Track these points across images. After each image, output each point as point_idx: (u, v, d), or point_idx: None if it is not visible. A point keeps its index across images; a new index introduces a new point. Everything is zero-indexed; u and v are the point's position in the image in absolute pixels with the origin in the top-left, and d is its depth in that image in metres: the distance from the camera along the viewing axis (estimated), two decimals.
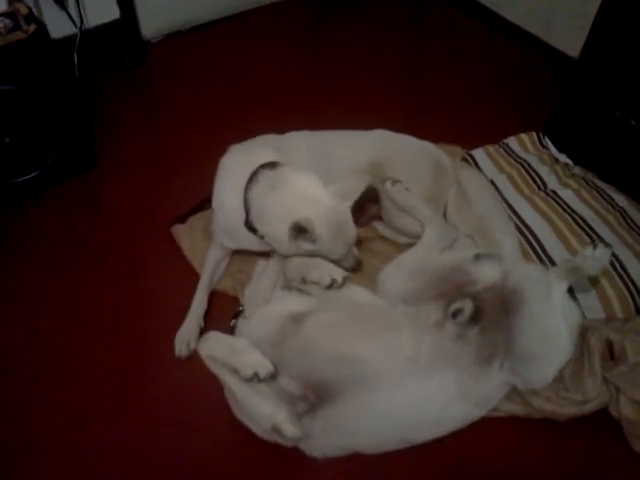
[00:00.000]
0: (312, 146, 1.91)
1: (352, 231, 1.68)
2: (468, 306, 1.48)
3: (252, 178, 1.64)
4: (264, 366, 1.38)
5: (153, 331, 1.81)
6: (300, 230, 1.54)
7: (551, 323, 1.44)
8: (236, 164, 1.74)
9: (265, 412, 1.37)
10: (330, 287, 1.57)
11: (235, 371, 1.39)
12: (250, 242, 1.74)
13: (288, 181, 1.61)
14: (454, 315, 1.48)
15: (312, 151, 1.90)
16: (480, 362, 1.45)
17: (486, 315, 1.48)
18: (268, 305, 1.59)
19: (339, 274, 1.60)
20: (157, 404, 1.65)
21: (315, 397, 1.39)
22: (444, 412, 1.44)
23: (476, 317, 1.47)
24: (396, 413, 1.43)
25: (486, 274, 1.55)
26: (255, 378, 1.37)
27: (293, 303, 1.57)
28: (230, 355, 1.41)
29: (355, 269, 1.76)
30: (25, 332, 1.84)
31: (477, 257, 1.59)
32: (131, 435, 1.59)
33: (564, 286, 1.48)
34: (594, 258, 1.44)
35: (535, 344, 1.44)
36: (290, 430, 1.34)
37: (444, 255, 1.72)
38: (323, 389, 1.39)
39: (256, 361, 1.39)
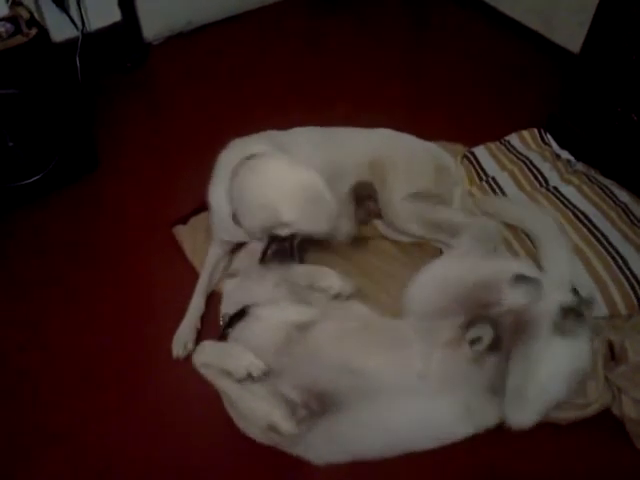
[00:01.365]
0: (315, 142, 1.91)
1: (329, 203, 1.61)
2: (488, 334, 1.36)
3: (234, 171, 1.65)
4: (257, 366, 1.37)
5: (154, 332, 1.81)
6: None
7: (544, 364, 1.32)
8: (229, 159, 1.74)
9: (261, 412, 1.36)
10: (337, 297, 1.55)
11: (229, 374, 1.37)
12: (244, 235, 1.73)
13: (257, 170, 1.60)
14: (472, 342, 1.37)
15: (315, 147, 1.89)
16: (491, 390, 1.38)
17: (505, 344, 1.37)
18: (269, 312, 1.54)
19: (348, 285, 1.57)
20: (157, 405, 1.66)
21: (318, 405, 1.38)
22: (446, 431, 1.42)
23: (495, 345, 1.36)
24: (401, 428, 1.41)
25: (517, 298, 1.39)
26: (249, 378, 1.36)
27: (296, 312, 1.53)
28: (223, 358, 1.40)
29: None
30: (27, 333, 1.85)
31: (517, 279, 1.40)
32: (131, 436, 1.60)
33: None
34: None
35: (519, 380, 1.33)
36: (286, 426, 1.32)
37: (481, 265, 1.57)
38: (327, 398, 1.38)
39: (249, 362, 1.38)
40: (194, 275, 1.91)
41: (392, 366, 1.41)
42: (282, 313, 1.53)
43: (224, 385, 1.41)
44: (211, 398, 1.51)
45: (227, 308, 1.61)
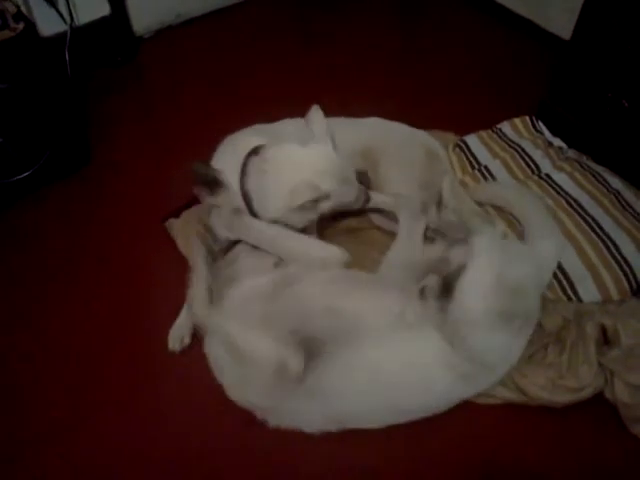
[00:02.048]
0: (306, 132, 1.90)
1: (348, 167, 1.68)
2: (433, 281, 1.51)
3: (243, 170, 1.65)
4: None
5: (150, 326, 1.81)
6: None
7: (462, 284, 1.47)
8: (230, 159, 1.73)
9: (266, 352, 1.42)
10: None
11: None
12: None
13: (273, 158, 1.62)
14: (422, 292, 1.50)
15: (306, 137, 1.88)
16: None
17: None
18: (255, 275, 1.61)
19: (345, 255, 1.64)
20: (156, 401, 1.66)
21: (307, 353, 1.42)
22: (429, 375, 1.45)
23: (449, 292, 1.48)
24: (382, 369, 1.45)
25: (459, 255, 1.56)
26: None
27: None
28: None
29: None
30: (22, 329, 1.85)
31: (450, 244, 1.65)
32: (131, 432, 1.60)
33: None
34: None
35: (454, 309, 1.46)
36: (295, 362, 1.39)
37: (428, 249, 1.74)
38: (315, 343, 1.43)
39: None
40: (188, 268, 1.89)
41: (373, 307, 1.50)
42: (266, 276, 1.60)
43: (226, 333, 1.46)
44: (209, 391, 1.52)
45: None
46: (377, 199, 1.83)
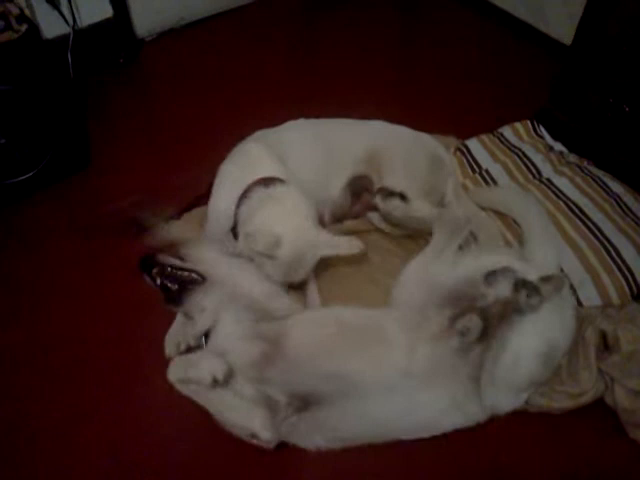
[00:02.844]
0: (309, 136, 1.92)
1: (306, 269, 1.65)
2: (477, 325, 1.38)
3: (245, 194, 1.67)
4: (219, 368, 1.37)
5: (148, 330, 1.79)
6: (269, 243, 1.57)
7: (509, 343, 1.38)
8: (236, 175, 1.76)
9: (240, 421, 1.39)
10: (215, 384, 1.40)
11: (198, 383, 1.37)
12: (234, 248, 1.74)
13: (277, 201, 1.64)
14: (462, 333, 1.39)
15: (310, 141, 1.91)
16: (476, 380, 1.42)
17: (491, 332, 1.40)
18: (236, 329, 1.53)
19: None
20: (150, 403, 1.65)
21: (302, 404, 1.40)
22: (435, 420, 1.44)
23: (483, 335, 1.39)
24: (387, 421, 1.42)
25: (501, 289, 1.42)
26: (216, 382, 1.36)
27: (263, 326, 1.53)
28: (189, 370, 1.39)
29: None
30: (21, 330, 1.85)
31: (487, 277, 1.44)
32: (125, 436, 1.59)
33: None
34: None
35: (489, 367, 1.40)
36: (265, 435, 1.36)
37: (458, 263, 1.60)
38: (311, 398, 1.40)
39: (210, 366, 1.37)
40: None
41: (374, 366, 1.42)
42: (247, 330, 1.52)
43: (202, 400, 1.42)
44: None
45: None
46: (419, 206, 1.82)
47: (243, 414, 1.37)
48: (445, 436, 1.47)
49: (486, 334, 1.39)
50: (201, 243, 1.76)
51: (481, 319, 1.38)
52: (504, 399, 1.42)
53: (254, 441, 1.40)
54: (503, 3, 3.04)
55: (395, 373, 1.41)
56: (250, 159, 1.78)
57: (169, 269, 1.63)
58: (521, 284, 1.38)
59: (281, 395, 1.40)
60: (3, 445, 1.58)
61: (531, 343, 1.40)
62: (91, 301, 1.93)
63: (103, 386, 1.70)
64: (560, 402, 1.52)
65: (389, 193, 1.81)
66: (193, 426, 1.58)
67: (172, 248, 1.71)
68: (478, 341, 1.39)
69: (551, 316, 1.42)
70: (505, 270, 1.46)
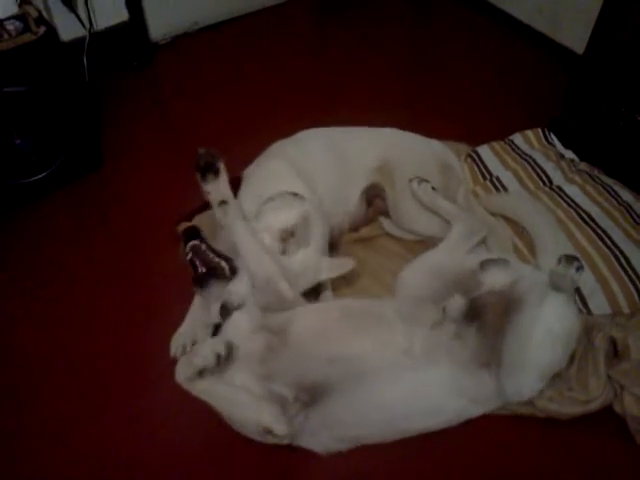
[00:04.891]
0: (324, 148, 1.95)
1: (300, 289, 1.65)
2: (459, 304, 1.47)
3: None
4: (219, 344, 1.39)
5: (157, 331, 1.79)
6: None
7: (533, 333, 1.41)
8: (254, 189, 1.83)
9: (251, 417, 1.37)
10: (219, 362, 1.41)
11: (202, 372, 1.37)
12: None
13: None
14: (444, 310, 1.48)
15: (325, 153, 1.94)
16: (476, 363, 1.44)
17: (487, 319, 1.46)
18: (239, 320, 1.54)
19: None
20: (155, 407, 1.65)
21: (308, 397, 1.40)
22: (439, 403, 1.45)
23: (472, 317, 1.46)
24: (394, 404, 1.43)
25: (493, 279, 1.53)
26: (219, 360, 1.37)
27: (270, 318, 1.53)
28: (193, 360, 1.39)
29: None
30: (30, 330, 1.86)
31: (482, 265, 1.57)
32: (129, 436, 1.60)
33: (562, 295, 1.47)
34: (559, 274, 1.50)
35: (514, 353, 1.42)
36: (280, 428, 1.34)
37: (468, 258, 1.69)
38: (318, 389, 1.40)
39: (210, 345, 1.39)
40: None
41: (377, 347, 1.46)
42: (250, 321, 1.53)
43: (212, 398, 1.41)
44: None
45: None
46: (440, 203, 1.85)
47: (254, 409, 1.36)
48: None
49: (477, 316, 1.46)
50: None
51: (467, 301, 1.47)
52: (528, 383, 1.44)
53: (268, 438, 1.38)
54: (517, 12, 3.05)
55: (396, 353, 1.44)
56: (273, 175, 1.83)
57: (204, 248, 1.62)
58: (571, 258, 1.51)
59: (287, 389, 1.40)
60: (11, 444, 1.59)
61: (555, 328, 1.43)
62: (99, 301, 1.94)
63: (110, 387, 1.71)
64: (568, 408, 1.51)
65: (424, 180, 1.87)
66: (201, 428, 1.59)
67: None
68: (469, 321, 1.46)
69: (568, 301, 1.48)
70: (502, 261, 1.57)
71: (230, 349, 1.41)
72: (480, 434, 1.53)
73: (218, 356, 1.38)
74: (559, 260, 1.54)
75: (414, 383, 1.43)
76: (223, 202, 1.63)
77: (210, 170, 1.61)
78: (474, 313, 1.47)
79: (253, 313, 1.54)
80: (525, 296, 1.46)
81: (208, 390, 1.40)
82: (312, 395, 1.40)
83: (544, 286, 1.49)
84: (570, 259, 1.54)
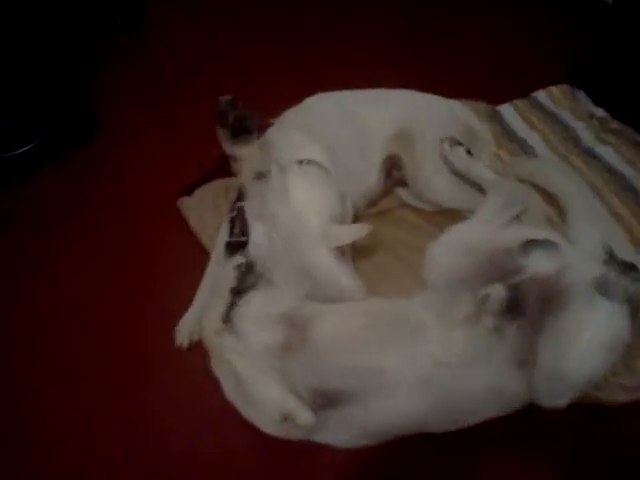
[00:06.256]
0: (337, 111, 1.80)
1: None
2: (499, 293, 1.24)
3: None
4: (238, 259, 1.34)
5: (159, 316, 1.67)
6: None
7: (577, 342, 1.23)
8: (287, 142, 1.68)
9: (274, 397, 1.25)
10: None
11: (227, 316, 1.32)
12: None
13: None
14: (482, 302, 1.26)
15: (338, 116, 1.78)
16: (513, 362, 1.28)
17: (528, 312, 1.27)
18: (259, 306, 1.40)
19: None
20: (158, 398, 1.56)
21: (326, 401, 1.28)
22: (470, 414, 1.32)
23: (515, 310, 1.26)
24: (418, 415, 1.30)
25: (537, 264, 1.31)
26: (242, 276, 1.33)
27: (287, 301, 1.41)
28: (215, 306, 1.34)
29: None
30: (18, 314, 1.76)
31: (525, 247, 1.33)
32: (135, 431, 1.51)
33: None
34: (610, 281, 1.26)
35: (552, 360, 1.24)
36: (304, 415, 1.22)
37: (504, 234, 1.46)
38: (336, 396, 1.28)
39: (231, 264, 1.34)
40: (202, 253, 1.76)
41: (406, 361, 1.29)
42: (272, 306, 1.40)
43: (237, 362, 1.29)
44: (216, 389, 1.39)
45: None
46: (477, 169, 1.69)
47: (278, 392, 1.25)
48: None
49: (518, 310, 1.25)
50: None
51: (508, 292, 1.24)
52: (563, 395, 1.27)
53: (283, 426, 1.27)
54: None
55: (429, 365, 1.27)
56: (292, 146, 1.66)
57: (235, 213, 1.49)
58: (629, 266, 1.27)
59: (303, 390, 1.28)
60: (20, 436, 1.51)
61: (602, 336, 1.24)
62: (97, 283, 1.81)
63: (120, 378, 1.60)
64: (615, 395, 1.40)
65: (457, 142, 1.70)
66: (213, 421, 1.50)
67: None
68: (509, 316, 1.25)
69: (620, 311, 1.26)
70: (548, 242, 1.34)
71: (251, 266, 1.34)
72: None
73: (240, 271, 1.32)
74: (611, 263, 1.30)
75: (445, 392, 1.28)
76: (261, 174, 1.41)
77: (243, 129, 1.37)
78: (516, 306, 1.27)
79: (281, 298, 1.40)
80: (572, 290, 1.26)
81: (233, 360, 1.29)
82: (330, 400, 1.28)
83: (593, 282, 1.27)
84: (626, 267, 1.28)
